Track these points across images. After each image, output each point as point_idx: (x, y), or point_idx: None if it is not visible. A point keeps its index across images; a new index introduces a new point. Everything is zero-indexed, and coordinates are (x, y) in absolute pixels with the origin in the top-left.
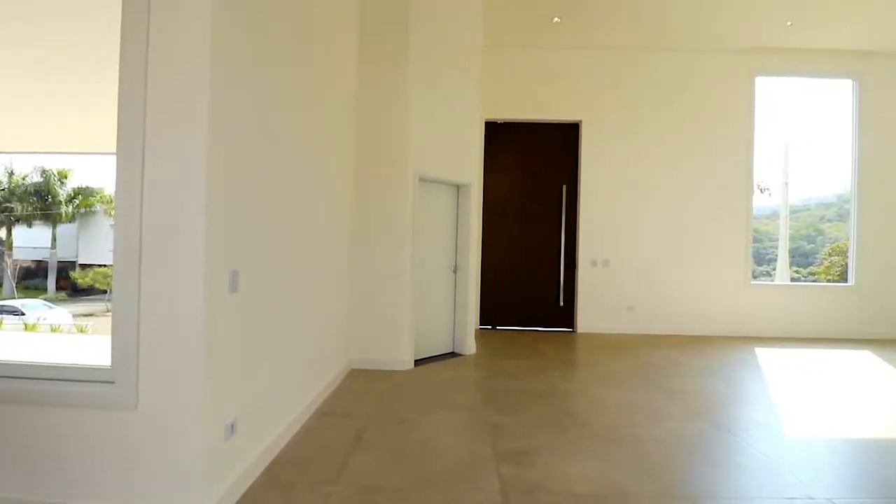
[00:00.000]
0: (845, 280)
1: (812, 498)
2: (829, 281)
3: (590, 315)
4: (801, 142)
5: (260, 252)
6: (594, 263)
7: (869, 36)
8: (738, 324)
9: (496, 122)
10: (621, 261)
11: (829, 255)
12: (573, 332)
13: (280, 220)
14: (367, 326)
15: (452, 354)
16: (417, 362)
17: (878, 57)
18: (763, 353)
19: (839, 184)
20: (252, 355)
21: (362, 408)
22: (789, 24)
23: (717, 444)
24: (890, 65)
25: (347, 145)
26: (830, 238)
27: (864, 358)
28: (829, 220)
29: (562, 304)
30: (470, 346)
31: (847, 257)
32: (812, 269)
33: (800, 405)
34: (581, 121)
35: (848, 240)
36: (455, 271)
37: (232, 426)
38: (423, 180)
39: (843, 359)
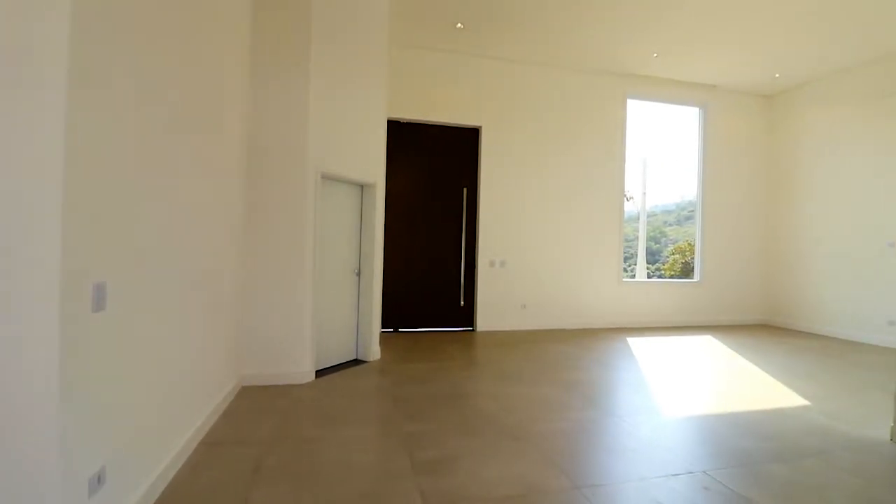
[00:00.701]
0: (685, 275)
1: (691, 472)
2: (671, 276)
3: (488, 314)
4: (656, 156)
5: (133, 259)
6: (492, 264)
7: (713, 73)
8: (613, 316)
9: (400, 122)
10: (516, 261)
11: (672, 253)
12: (473, 331)
13: (156, 221)
14: (261, 338)
15: (356, 362)
16: (319, 373)
17: (719, 91)
18: (634, 342)
19: (680, 194)
20: (123, 385)
21: (258, 431)
22: (655, 55)
23: (611, 431)
24: (728, 97)
25: (239, 141)
26: (671, 239)
27: (708, 342)
28: (670, 224)
29: (462, 304)
30: (375, 352)
31: (686, 256)
32: (658, 265)
33: (668, 387)
34: (481, 126)
35: (685, 241)
36: (359, 275)
37: (99, 476)
38: (326, 178)
39: (693, 343)
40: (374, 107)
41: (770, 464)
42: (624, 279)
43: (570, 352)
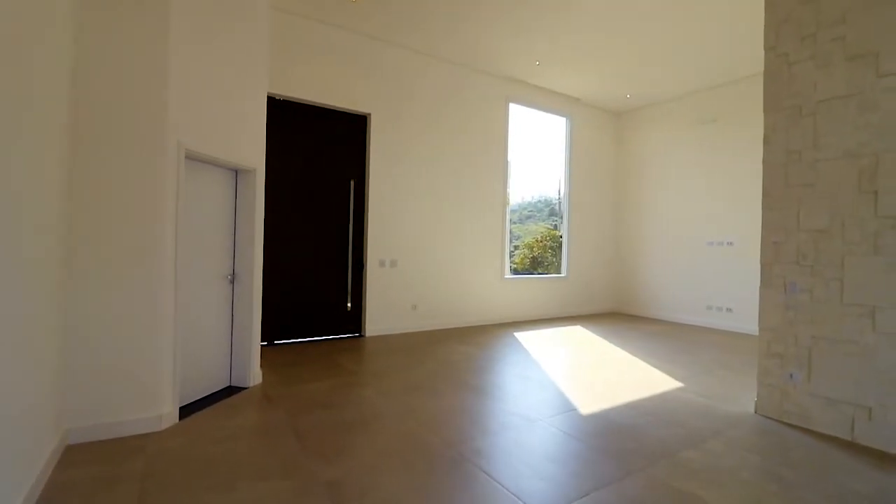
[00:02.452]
0: (534, 269)
1: (637, 471)
2: (522, 270)
3: (378, 317)
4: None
5: None
6: (382, 264)
7: (580, 87)
8: (498, 312)
9: (279, 99)
10: (407, 261)
11: (521, 248)
12: (362, 337)
13: None
14: (97, 374)
15: (232, 390)
16: (184, 411)
17: (582, 104)
18: (522, 337)
19: (521, 195)
20: None
21: None
22: (538, 63)
23: (543, 438)
24: (588, 110)
25: (60, 93)
26: (515, 235)
27: (579, 332)
28: (514, 223)
29: (350, 308)
30: (255, 375)
31: (534, 251)
32: (513, 260)
33: (569, 381)
34: (370, 114)
35: (533, 237)
36: (233, 282)
37: None
38: (193, 159)
39: (569, 334)
40: (253, 74)
41: (685, 451)
42: (507, 276)
43: (469, 352)
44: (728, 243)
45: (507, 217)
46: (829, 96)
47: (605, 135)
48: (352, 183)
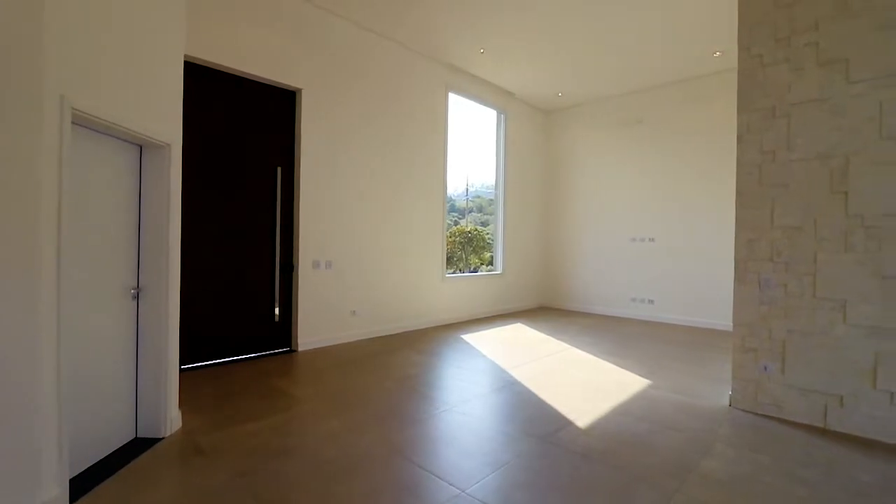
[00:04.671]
0: (451, 265)
1: (666, 488)
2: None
3: (312, 327)
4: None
5: None
6: (316, 265)
7: (513, 81)
8: (440, 313)
9: (193, 63)
10: (344, 261)
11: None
12: (293, 351)
13: None
14: None
15: (141, 444)
16: (76, 490)
17: (515, 99)
18: (471, 339)
19: (459, 190)
20: None
21: None
22: (482, 51)
23: (559, 465)
24: (521, 106)
25: None
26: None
27: (523, 330)
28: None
29: (278, 318)
30: (174, 420)
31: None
32: None
33: (544, 390)
34: (301, 90)
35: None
36: (138, 296)
37: None
38: (81, 125)
39: (515, 332)
40: (167, 26)
41: (702, 460)
42: (448, 275)
43: (425, 362)
44: (650, 239)
45: (445, 212)
46: (802, 99)
47: (536, 132)
48: (278, 170)
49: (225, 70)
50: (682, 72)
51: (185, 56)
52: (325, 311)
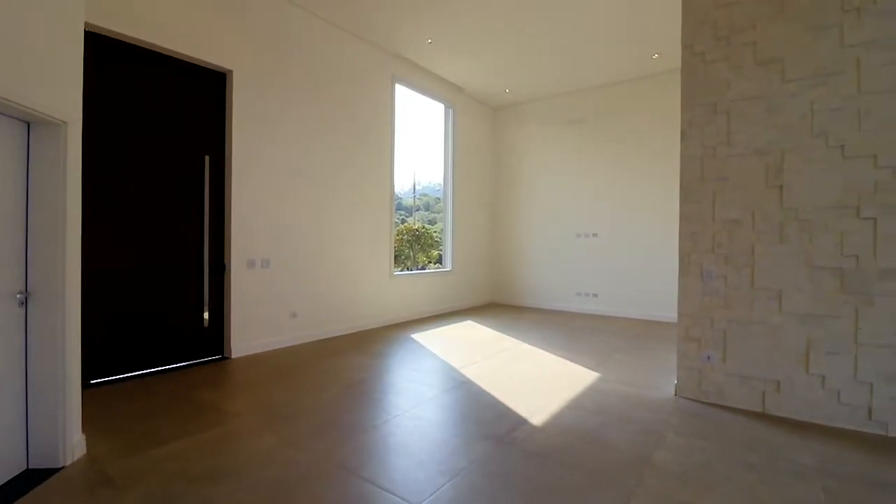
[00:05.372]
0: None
1: (636, 487)
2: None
3: (247, 332)
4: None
5: None
6: (251, 264)
7: (461, 75)
8: (387, 313)
9: (102, 35)
10: (283, 259)
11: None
12: (227, 359)
13: None
14: None
15: (31, 477)
16: None
17: (464, 94)
18: (421, 339)
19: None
20: None
21: None
22: (429, 41)
23: (516, 467)
24: (469, 101)
25: None
26: None
27: (474, 327)
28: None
29: (207, 324)
30: (75, 445)
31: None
32: None
33: (502, 390)
34: (232, 71)
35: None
36: (25, 301)
37: None
38: None
39: (466, 330)
40: None
41: (656, 452)
42: (396, 273)
43: (372, 365)
44: (594, 235)
45: (392, 208)
46: (741, 97)
47: (484, 128)
48: (206, 160)
49: (146, 46)
50: (623, 73)
51: (98, 29)
52: (261, 314)
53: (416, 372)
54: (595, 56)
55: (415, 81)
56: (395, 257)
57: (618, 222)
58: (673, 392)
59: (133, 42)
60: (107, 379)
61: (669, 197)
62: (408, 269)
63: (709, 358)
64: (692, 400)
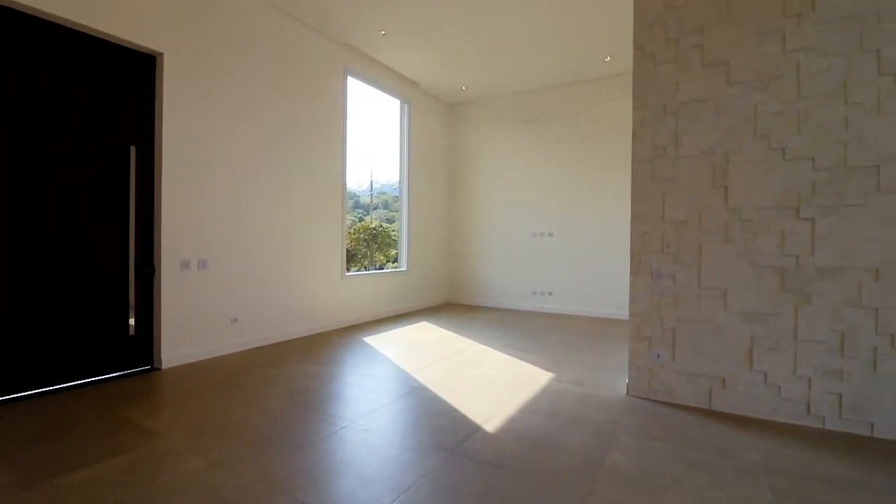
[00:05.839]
0: (350, 261)
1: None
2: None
3: (181, 339)
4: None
5: None
6: (185, 265)
7: (417, 70)
8: (339, 315)
9: (8, 8)
10: (222, 259)
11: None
12: (156, 370)
13: None
14: None
15: None
16: None
17: (420, 90)
18: (374, 342)
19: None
20: None
21: None
22: (383, 33)
23: (467, 479)
24: (425, 98)
25: None
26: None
27: (428, 328)
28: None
29: (133, 330)
30: None
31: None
32: None
33: (459, 395)
34: (162, 54)
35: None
36: None
37: None
38: None
39: (420, 332)
40: None
41: (609, 454)
42: (347, 274)
43: (320, 373)
44: (549, 234)
45: (345, 205)
46: (689, 98)
47: (440, 125)
48: (132, 150)
49: (57, 21)
50: (576, 74)
51: (6, 2)
52: (197, 320)
53: (367, 378)
54: (550, 55)
55: (368, 74)
56: (352, 257)
57: (573, 222)
58: (625, 391)
59: (34, 13)
60: (7, 398)
61: (622, 196)
62: (365, 269)
63: (658, 356)
64: (643, 398)
